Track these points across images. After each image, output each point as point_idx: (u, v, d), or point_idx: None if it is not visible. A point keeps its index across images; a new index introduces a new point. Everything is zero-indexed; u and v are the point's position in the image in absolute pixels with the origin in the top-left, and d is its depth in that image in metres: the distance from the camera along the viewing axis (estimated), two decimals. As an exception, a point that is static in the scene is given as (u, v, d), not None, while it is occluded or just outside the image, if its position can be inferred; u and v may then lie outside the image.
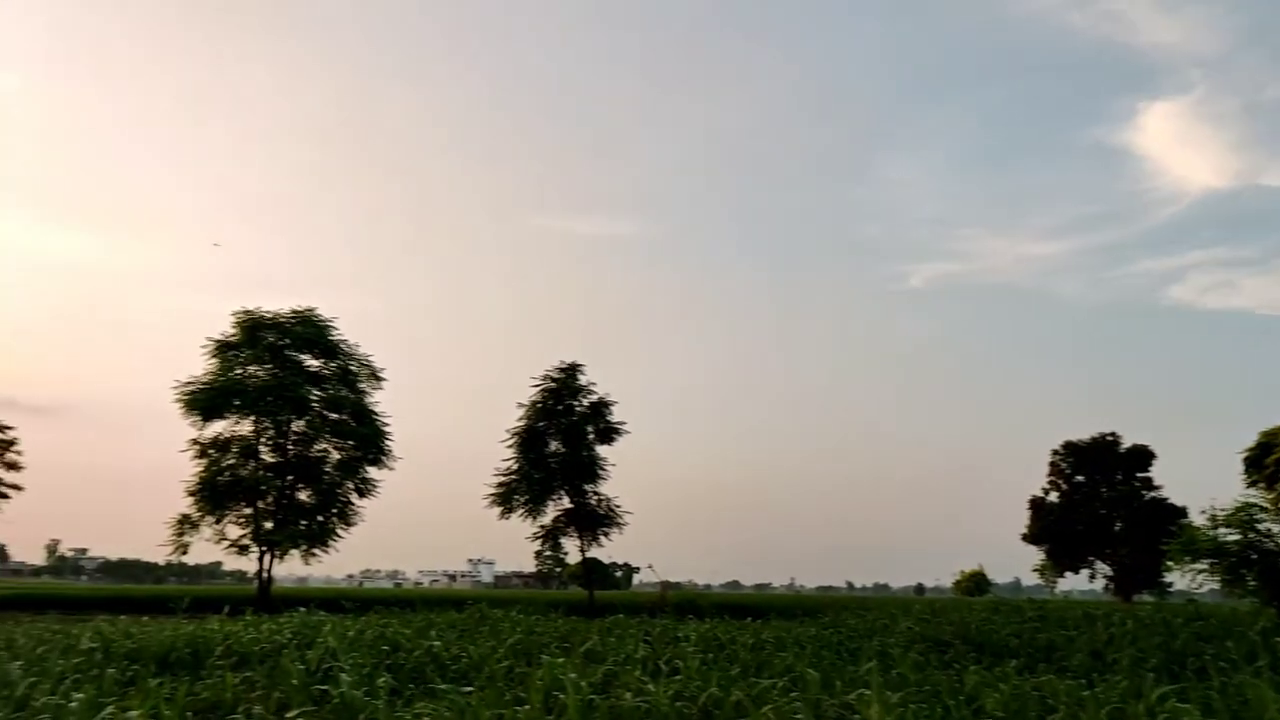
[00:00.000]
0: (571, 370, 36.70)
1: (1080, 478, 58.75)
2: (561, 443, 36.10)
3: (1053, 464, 59.82)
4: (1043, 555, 59.17)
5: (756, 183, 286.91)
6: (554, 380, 36.63)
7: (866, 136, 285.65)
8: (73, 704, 7.79)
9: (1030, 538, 59.18)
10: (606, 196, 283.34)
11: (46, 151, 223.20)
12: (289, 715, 8.09)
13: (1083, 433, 59.44)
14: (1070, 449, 59.28)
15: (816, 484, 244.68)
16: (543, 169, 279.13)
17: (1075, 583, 60.77)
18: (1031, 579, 66.95)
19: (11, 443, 38.41)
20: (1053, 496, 59.36)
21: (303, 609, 16.68)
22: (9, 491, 38.24)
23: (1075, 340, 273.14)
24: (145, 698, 8.69)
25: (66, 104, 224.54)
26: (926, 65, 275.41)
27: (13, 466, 38.39)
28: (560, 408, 36.32)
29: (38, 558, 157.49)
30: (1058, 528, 57.34)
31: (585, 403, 36.49)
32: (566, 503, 36.04)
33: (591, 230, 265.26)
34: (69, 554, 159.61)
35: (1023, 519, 59.69)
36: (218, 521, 34.10)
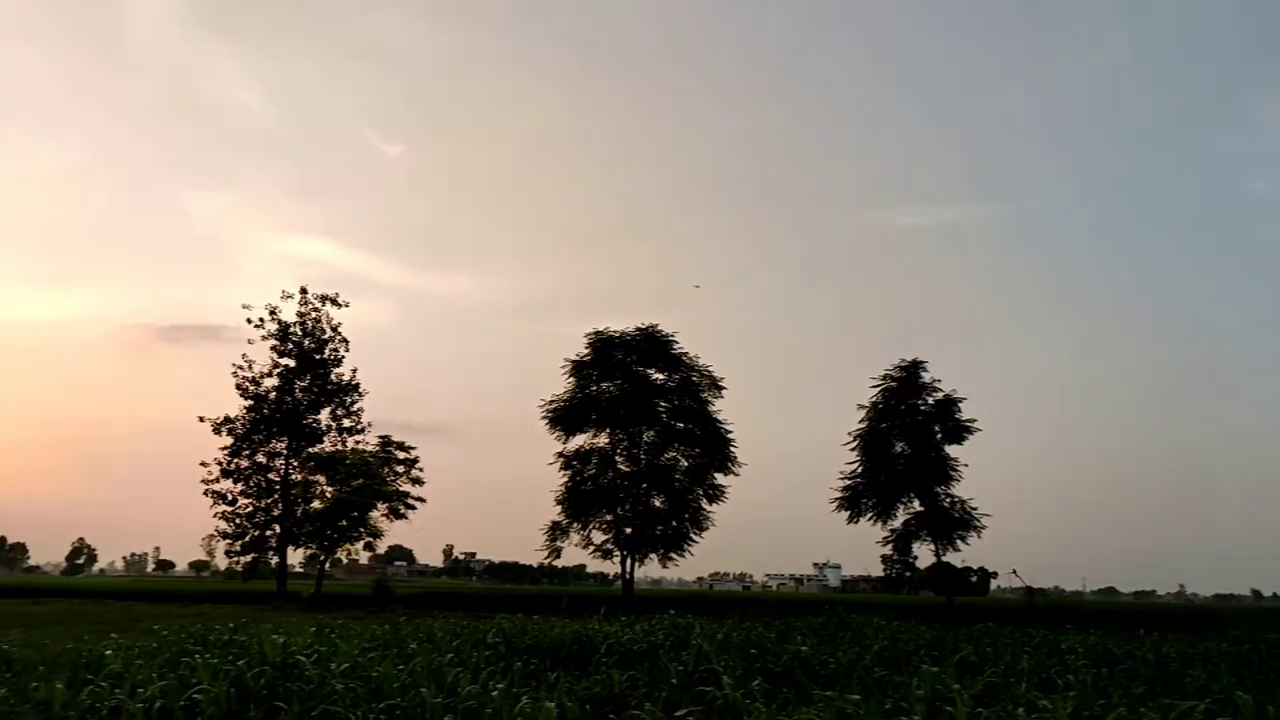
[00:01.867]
0: (913, 368, 35.41)
1: None
2: (907, 443, 34.94)
3: None
4: None
5: (1104, 148, 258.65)
6: (894, 379, 35.56)
7: (1234, 78, 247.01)
8: (494, 693, 8.71)
9: None
10: (930, 183, 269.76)
11: (421, 207, 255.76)
12: (678, 714, 8.47)
13: None
14: None
15: (1210, 478, 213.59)
16: (858, 161, 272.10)
17: None
18: None
19: (415, 461, 44.25)
20: None
21: (671, 611, 17.52)
22: (415, 503, 44.05)
23: None
24: (550, 690, 9.54)
25: (432, 164, 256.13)
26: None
27: (417, 481, 44.20)
28: (903, 407, 35.17)
29: (437, 560, 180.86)
30: None
31: (930, 401, 35.04)
32: (917, 505, 34.78)
33: (916, 221, 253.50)
34: (461, 557, 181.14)
35: None
36: (584, 528, 36.92)
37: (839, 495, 35.58)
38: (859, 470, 35.38)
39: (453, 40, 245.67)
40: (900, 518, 35.00)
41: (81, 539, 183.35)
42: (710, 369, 37.78)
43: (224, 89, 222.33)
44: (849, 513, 35.30)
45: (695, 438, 37.04)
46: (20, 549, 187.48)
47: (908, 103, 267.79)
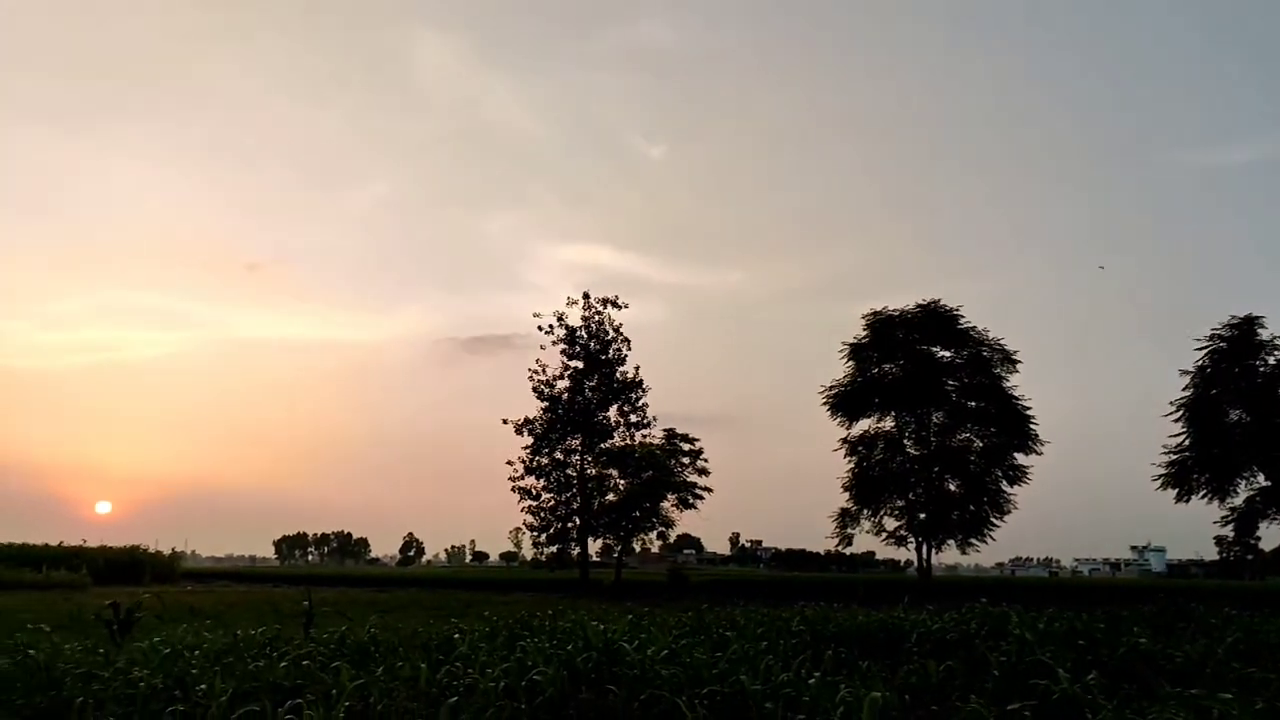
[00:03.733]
0: (1246, 325, 31.22)
1: None
2: (1245, 411, 30.88)
3: None
4: None
5: None
6: (1223, 339, 31.57)
7: None
8: (810, 681, 8.64)
9: None
10: (1236, 114, 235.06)
11: (686, 204, 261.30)
12: (1010, 708, 7.96)
13: None
14: None
15: None
16: (1180, 92, 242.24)
17: None
18: None
19: (700, 452, 45.38)
20: None
21: (983, 599, 16.62)
22: (703, 493, 45.19)
23: None
24: (863, 678, 9.33)
25: (694, 161, 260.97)
26: None
27: (703, 472, 45.31)
28: (1237, 370, 31.13)
29: (724, 548, 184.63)
30: None
31: (1271, 361, 30.73)
32: (1262, 480, 30.67)
33: (1251, 157, 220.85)
34: (747, 545, 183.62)
35: None
36: (874, 514, 36.07)
37: (1163, 472, 32.18)
38: (1186, 443, 31.79)
39: (702, 39, 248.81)
40: (1242, 495, 31.07)
41: (411, 534, 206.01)
42: (1002, 342, 35.59)
43: (504, 115, 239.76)
44: (1176, 490, 31.81)
45: (989, 416, 35.02)
46: (363, 544, 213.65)
47: (1205, 26, 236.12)
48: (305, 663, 8.51)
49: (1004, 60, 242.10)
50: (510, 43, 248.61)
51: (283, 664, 8.38)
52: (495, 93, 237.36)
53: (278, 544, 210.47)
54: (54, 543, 50.50)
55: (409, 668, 8.25)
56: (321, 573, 75.12)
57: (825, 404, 36.82)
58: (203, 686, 7.06)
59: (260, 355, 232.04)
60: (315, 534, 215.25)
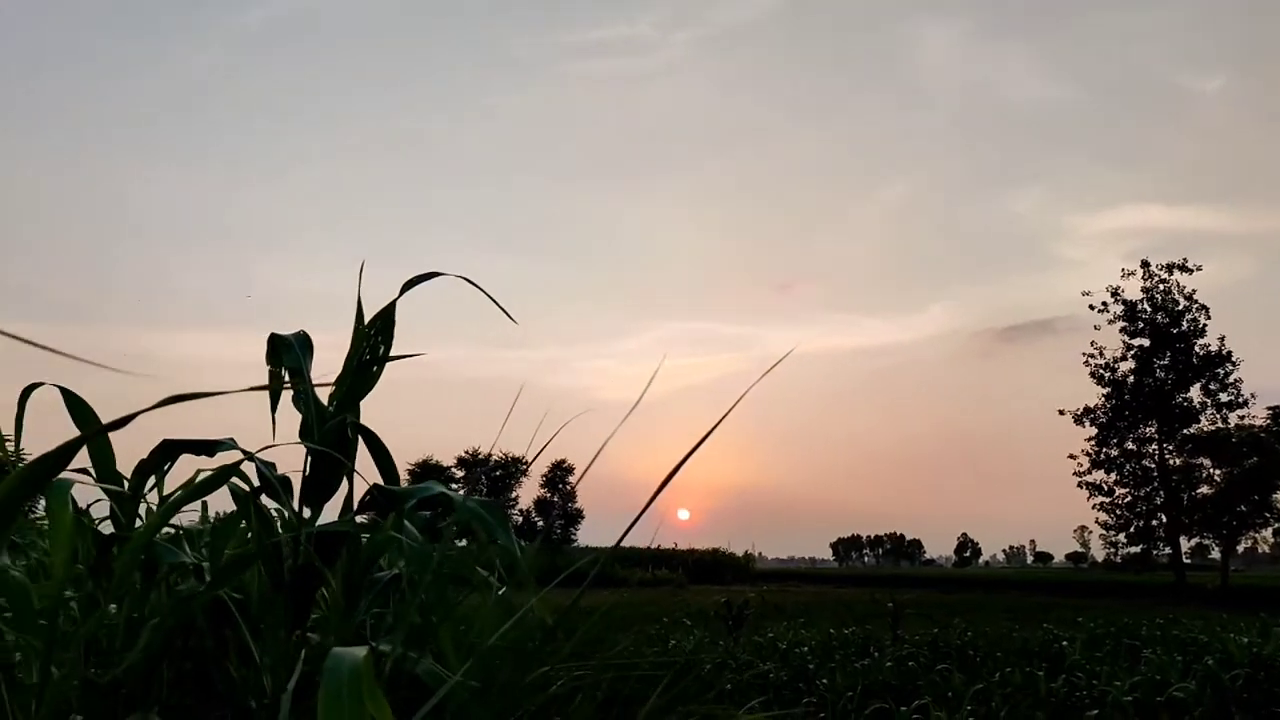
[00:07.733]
0: None
1: None
2: None
3: None
4: None
5: None
6: None
7: None
8: None
9: None
10: None
11: (1264, 140, 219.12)
12: None
13: None
14: None
15: None
16: None
17: None
18: None
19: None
20: None
21: None
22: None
23: None
24: None
25: (1265, 86, 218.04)
26: None
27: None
28: None
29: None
30: None
31: None
32: None
33: None
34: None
35: None
36: None
37: None
38: None
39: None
40: None
41: (965, 534, 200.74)
42: None
43: (1020, 85, 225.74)
44: None
45: None
46: (916, 545, 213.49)
47: None
48: (910, 664, 8.54)
49: None
50: (1017, 7, 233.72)
51: (888, 664, 8.50)
52: (1008, 64, 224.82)
53: (834, 546, 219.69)
54: (652, 546, 58.61)
55: (1018, 674, 7.82)
56: (879, 573, 76.36)
57: None
58: (824, 681, 7.42)
59: (800, 369, 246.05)
60: (869, 536, 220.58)
